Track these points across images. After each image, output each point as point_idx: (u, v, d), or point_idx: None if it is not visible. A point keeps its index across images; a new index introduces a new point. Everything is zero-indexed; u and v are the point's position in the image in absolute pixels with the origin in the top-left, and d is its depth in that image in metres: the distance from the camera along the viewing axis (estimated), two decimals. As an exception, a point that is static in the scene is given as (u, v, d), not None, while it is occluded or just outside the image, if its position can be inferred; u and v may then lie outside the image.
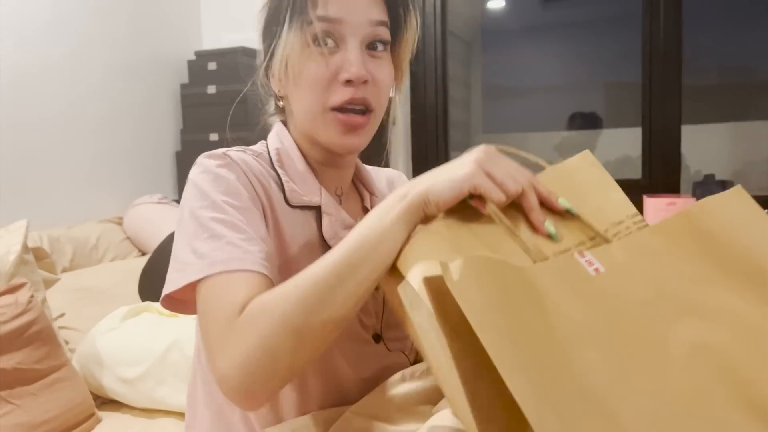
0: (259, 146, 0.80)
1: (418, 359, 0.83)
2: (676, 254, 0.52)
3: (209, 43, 2.90)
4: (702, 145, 2.70)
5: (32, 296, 1.25)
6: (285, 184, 0.74)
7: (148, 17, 2.65)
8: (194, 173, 0.71)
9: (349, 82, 0.69)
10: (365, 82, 0.70)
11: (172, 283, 0.65)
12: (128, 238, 2.30)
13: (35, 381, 1.17)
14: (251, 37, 2.88)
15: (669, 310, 0.48)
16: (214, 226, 0.65)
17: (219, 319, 0.60)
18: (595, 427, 0.39)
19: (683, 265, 0.51)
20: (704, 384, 0.43)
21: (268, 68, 0.77)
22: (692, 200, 1.90)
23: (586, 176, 0.63)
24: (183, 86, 2.72)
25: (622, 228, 0.58)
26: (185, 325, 1.36)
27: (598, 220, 0.59)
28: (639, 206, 2.00)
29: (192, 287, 0.64)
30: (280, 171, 0.75)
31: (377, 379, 0.74)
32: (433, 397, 0.70)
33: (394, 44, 0.75)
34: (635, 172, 2.47)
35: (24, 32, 2.09)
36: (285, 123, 0.81)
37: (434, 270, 0.46)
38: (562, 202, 0.59)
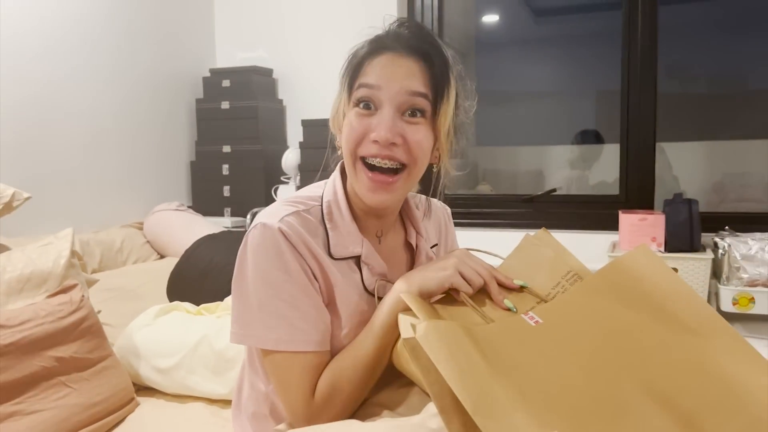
0: (315, 195, 0.90)
1: None
2: (595, 303, 0.72)
3: (223, 62, 3.08)
4: (681, 162, 2.85)
5: (83, 295, 1.44)
6: (331, 239, 0.85)
7: (167, 38, 2.83)
8: (254, 243, 0.81)
9: (376, 141, 0.79)
10: (393, 143, 0.79)
11: (237, 337, 0.84)
12: (148, 242, 2.49)
13: (88, 368, 1.35)
14: (263, 56, 3.10)
15: (589, 342, 0.67)
16: (274, 303, 0.81)
17: (296, 397, 0.82)
18: (516, 415, 0.56)
19: (601, 311, 0.71)
20: (613, 378, 0.61)
21: (333, 124, 0.90)
22: (662, 216, 2.11)
23: (534, 252, 0.87)
24: (198, 101, 2.90)
25: (558, 288, 0.81)
26: (212, 322, 1.55)
27: (543, 286, 0.81)
28: (616, 221, 2.19)
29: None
30: (328, 225, 0.86)
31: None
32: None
33: (435, 113, 0.82)
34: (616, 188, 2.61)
35: (55, 55, 2.29)
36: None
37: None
38: (517, 281, 0.82)
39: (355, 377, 0.82)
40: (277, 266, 0.80)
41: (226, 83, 2.83)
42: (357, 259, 0.89)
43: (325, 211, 0.87)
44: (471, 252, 0.85)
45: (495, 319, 0.76)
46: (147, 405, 1.48)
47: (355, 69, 0.83)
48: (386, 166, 0.81)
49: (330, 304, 0.86)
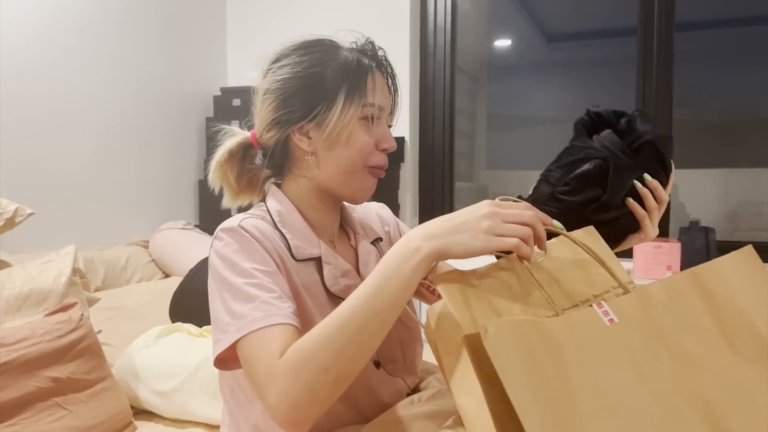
0: (259, 209, 0.92)
1: (417, 389, 0.98)
2: (680, 309, 0.61)
3: (234, 81, 3.08)
4: (695, 189, 2.83)
5: (82, 314, 1.40)
6: (290, 242, 0.87)
7: (179, 56, 2.84)
8: (219, 246, 0.82)
9: (385, 150, 0.91)
10: None
11: (219, 344, 0.76)
12: (153, 260, 2.46)
13: (85, 389, 1.31)
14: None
15: (669, 357, 0.58)
16: (247, 289, 0.76)
17: (262, 364, 0.71)
18: None
19: (685, 319, 0.61)
20: (690, 427, 0.54)
21: (300, 128, 0.88)
22: (677, 244, 2.06)
23: (594, 244, 0.74)
24: (208, 120, 2.90)
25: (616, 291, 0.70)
26: (214, 344, 1.51)
27: (597, 282, 0.70)
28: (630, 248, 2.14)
29: (234, 345, 0.75)
30: (283, 230, 0.88)
31: (381, 399, 0.90)
32: (437, 418, 0.83)
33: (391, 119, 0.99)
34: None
35: (64, 71, 2.28)
36: (279, 186, 0.95)
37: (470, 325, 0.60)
38: (555, 224, 0.72)
39: (327, 341, 0.68)
40: (243, 258, 0.80)
41: (236, 102, 2.81)
42: (317, 262, 0.90)
43: (276, 219, 0.89)
44: (504, 201, 0.72)
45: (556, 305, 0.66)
46: (145, 429, 1.44)
47: (358, 84, 0.89)
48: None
49: (297, 306, 0.81)
